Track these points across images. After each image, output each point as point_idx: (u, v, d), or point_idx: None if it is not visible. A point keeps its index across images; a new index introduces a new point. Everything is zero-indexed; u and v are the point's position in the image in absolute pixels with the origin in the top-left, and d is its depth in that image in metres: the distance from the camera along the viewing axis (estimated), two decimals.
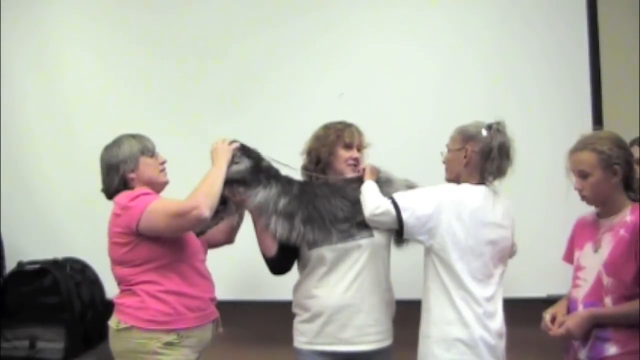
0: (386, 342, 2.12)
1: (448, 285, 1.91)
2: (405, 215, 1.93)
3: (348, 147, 2.15)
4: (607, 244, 1.82)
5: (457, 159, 2.01)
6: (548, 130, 2.62)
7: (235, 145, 2.08)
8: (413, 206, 1.93)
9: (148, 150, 2.06)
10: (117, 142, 2.05)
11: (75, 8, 3.09)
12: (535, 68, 2.70)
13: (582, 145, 1.85)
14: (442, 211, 1.91)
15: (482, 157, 1.97)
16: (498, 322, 1.93)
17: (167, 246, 1.95)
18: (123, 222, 1.92)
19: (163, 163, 2.10)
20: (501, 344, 1.94)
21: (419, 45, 2.81)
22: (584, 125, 2.65)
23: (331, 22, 2.88)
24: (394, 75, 2.79)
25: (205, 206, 1.86)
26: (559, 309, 1.92)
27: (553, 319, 1.88)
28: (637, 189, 1.83)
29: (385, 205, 1.96)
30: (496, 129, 1.97)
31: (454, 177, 2.02)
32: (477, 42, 2.75)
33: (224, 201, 2.05)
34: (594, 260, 1.85)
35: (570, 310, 1.89)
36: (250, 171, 2.05)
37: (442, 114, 2.72)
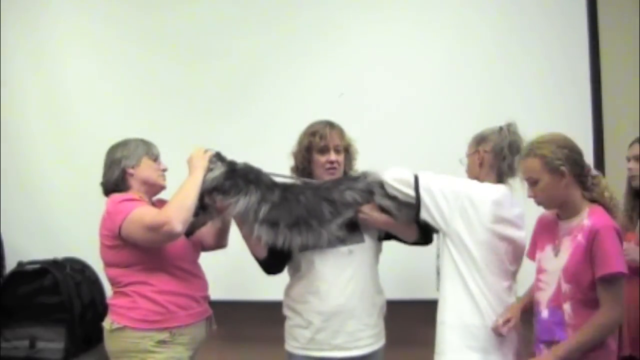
0: (377, 345, 2.12)
1: (463, 272, 1.92)
2: (422, 193, 1.94)
3: (322, 151, 2.09)
4: (566, 249, 1.79)
5: (473, 162, 2.05)
6: (548, 130, 2.61)
7: (211, 153, 2.05)
8: (432, 188, 1.94)
9: (152, 153, 2.10)
10: (124, 141, 2.10)
11: (74, 8, 3.09)
12: (536, 68, 2.70)
13: (526, 151, 1.83)
14: (460, 199, 1.92)
15: (494, 156, 2.00)
16: None
17: (151, 250, 1.97)
18: (109, 226, 1.96)
19: (164, 170, 2.12)
20: (515, 337, 1.94)
21: (420, 45, 2.81)
22: (584, 126, 2.66)
23: (331, 21, 2.88)
24: (394, 75, 2.79)
25: (177, 221, 1.85)
26: (513, 312, 1.88)
27: (506, 322, 1.85)
28: (592, 188, 1.80)
29: (408, 176, 1.97)
30: (507, 129, 2.01)
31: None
32: (477, 43, 2.75)
33: (204, 207, 2.02)
34: (554, 264, 1.83)
35: (535, 312, 1.87)
36: (225, 176, 1.99)
37: (442, 114, 2.73)
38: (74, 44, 3.07)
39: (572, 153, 1.78)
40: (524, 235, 2.01)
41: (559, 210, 1.86)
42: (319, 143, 2.08)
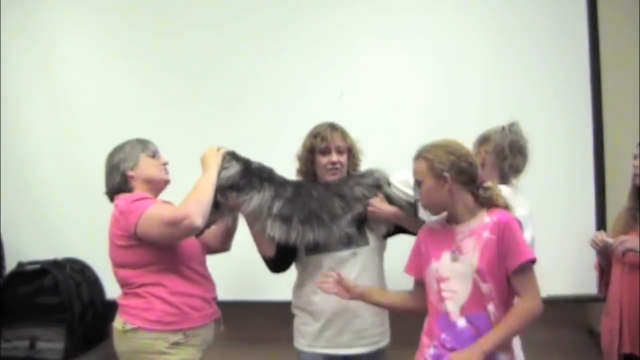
0: (382, 343, 2.16)
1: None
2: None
3: (324, 152, 2.12)
4: (472, 248, 1.73)
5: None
6: (548, 130, 2.61)
7: (224, 150, 2.07)
8: None
9: (149, 150, 2.08)
10: (120, 145, 2.09)
11: (75, 9, 3.09)
12: (536, 68, 2.70)
13: (417, 153, 1.82)
14: None
15: (496, 156, 2.02)
16: None
17: (166, 250, 1.96)
18: (122, 226, 1.94)
19: (165, 164, 2.11)
20: (515, 339, 1.91)
21: (421, 45, 2.81)
22: (584, 126, 2.66)
23: (332, 20, 2.88)
24: (395, 74, 2.79)
25: (197, 215, 1.86)
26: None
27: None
28: (485, 201, 1.77)
29: (410, 177, 1.96)
30: (508, 129, 2.01)
31: None
32: (477, 42, 2.75)
33: (216, 204, 2.03)
34: (456, 268, 1.75)
35: (441, 325, 1.76)
36: (241, 175, 2.02)
37: (443, 113, 2.73)
38: (74, 45, 3.07)
39: (460, 161, 1.75)
40: (530, 235, 2.00)
41: (450, 215, 1.81)
42: (320, 144, 2.11)
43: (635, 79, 2.67)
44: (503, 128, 2.02)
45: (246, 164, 2.05)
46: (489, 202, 1.77)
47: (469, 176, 1.76)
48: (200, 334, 2.01)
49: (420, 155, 1.80)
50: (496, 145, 2.01)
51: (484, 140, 2.05)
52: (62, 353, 2.64)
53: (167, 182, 2.11)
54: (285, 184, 2.06)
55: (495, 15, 2.77)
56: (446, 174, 1.74)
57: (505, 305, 1.72)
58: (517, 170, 2.01)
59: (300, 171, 2.20)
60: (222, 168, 2.02)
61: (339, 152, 2.12)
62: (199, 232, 2.09)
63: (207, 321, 2.04)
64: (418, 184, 1.81)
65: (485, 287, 1.71)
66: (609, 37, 2.72)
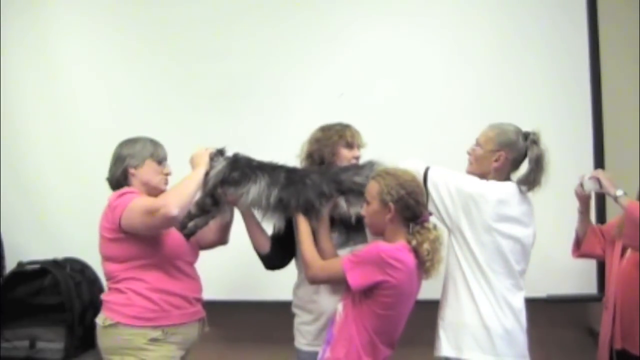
0: None
1: (465, 271, 1.94)
2: (430, 187, 1.97)
3: (350, 146, 2.15)
4: None
5: (488, 160, 2.03)
6: (547, 130, 2.60)
7: (212, 150, 2.09)
8: (439, 183, 1.96)
9: (157, 156, 2.11)
10: (133, 139, 2.12)
11: (74, 9, 3.09)
12: (536, 68, 2.71)
13: (374, 174, 1.89)
14: (464, 198, 1.93)
15: (512, 164, 2.02)
16: (514, 314, 1.93)
17: (151, 245, 1.99)
18: (110, 218, 1.98)
19: (167, 174, 2.14)
20: (517, 338, 1.93)
21: (421, 45, 2.82)
22: (584, 126, 2.66)
23: (332, 21, 2.89)
24: (395, 74, 2.80)
25: (174, 205, 1.88)
26: None
27: None
28: (414, 235, 1.81)
29: (417, 167, 1.99)
30: (532, 139, 1.99)
31: (479, 174, 2.04)
32: (478, 42, 2.76)
33: (216, 202, 2.05)
34: None
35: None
36: (230, 167, 2.03)
37: (442, 114, 2.74)
38: (73, 45, 3.07)
39: (408, 197, 1.81)
40: (532, 232, 2.01)
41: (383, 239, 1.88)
42: (348, 139, 2.14)
43: (635, 79, 2.68)
44: (527, 137, 2.01)
45: (233, 157, 2.07)
46: (416, 241, 1.80)
47: (412, 213, 1.82)
48: (180, 332, 2.03)
49: (376, 177, 1.86)
50: (518, 155, 2.01)
51: (507, 143, 2.01)
52: (62, 353, 2.64)
53: (163, 192, 2.10)
54: (276, 168, 2.07)
55: (495, 15, 2.78)
56: (391, 205, 1.80)
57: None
58: (538, 183, 1.99)
59: (314, 165, 2.16)
60: (211, 166, 2.04)
61: (358, 148, 2.17)
62: (191, 234, 2.11)
63: (187, 320, 2.05)
64: (366, 202, 1.87)
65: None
66: (609, 37, 2.73)
